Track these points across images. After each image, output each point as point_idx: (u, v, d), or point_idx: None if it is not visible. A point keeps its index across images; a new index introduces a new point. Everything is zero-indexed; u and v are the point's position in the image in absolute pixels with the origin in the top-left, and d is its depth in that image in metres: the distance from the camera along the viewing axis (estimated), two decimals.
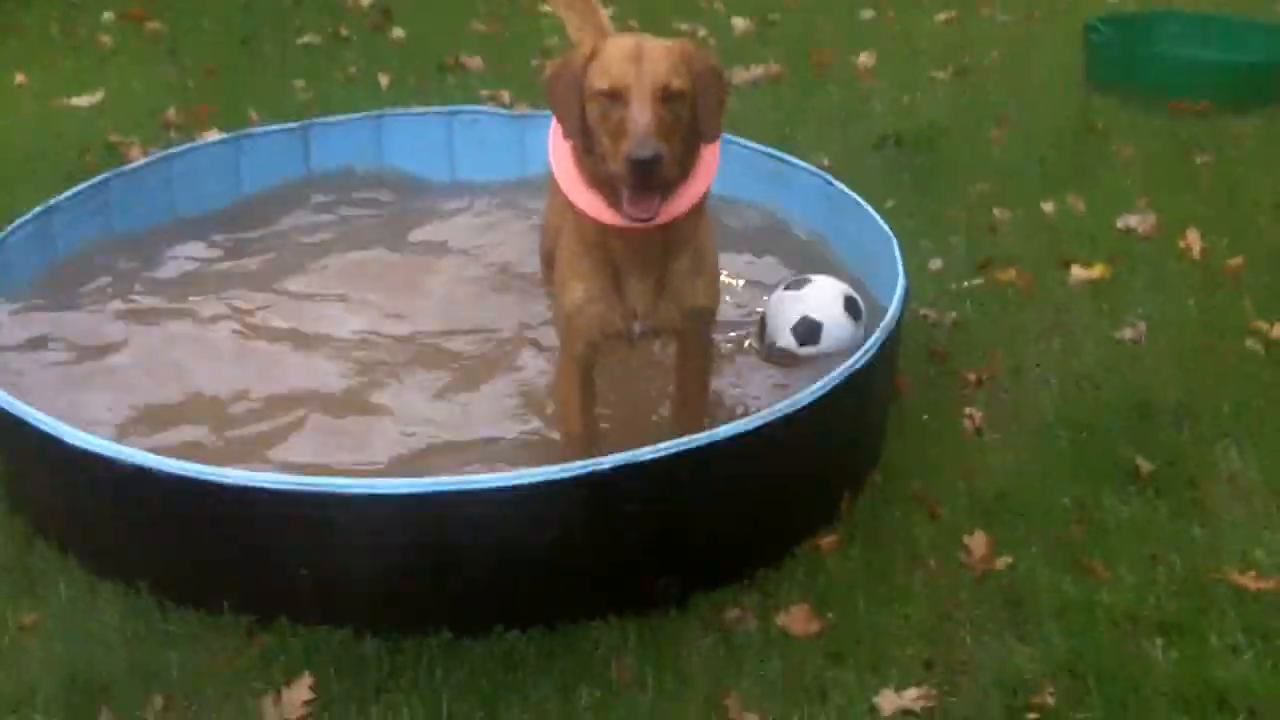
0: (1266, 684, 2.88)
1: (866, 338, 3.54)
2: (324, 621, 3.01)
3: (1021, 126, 6.00)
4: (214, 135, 5.46)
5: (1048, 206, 5.21)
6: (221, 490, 2.92)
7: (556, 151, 3.20)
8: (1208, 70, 6.30)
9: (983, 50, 7.07)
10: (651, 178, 2.92)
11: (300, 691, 2.84)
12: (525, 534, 2.97)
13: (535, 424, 3.73)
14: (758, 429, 3.06)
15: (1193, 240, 4.85)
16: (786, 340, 3.90)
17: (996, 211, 5.17)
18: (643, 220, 3.03)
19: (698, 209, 3.22)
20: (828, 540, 3.36)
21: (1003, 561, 3.28)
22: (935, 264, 4.69)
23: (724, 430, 3.05)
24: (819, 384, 3.20)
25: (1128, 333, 4.32)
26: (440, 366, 4.00)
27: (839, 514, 3.45)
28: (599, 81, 2.98)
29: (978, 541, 3.34)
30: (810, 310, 3.88)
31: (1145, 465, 3.59)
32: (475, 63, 6.94)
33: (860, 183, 4.51)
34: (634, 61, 2.95)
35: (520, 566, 3.01)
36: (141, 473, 2.96)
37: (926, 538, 3.39)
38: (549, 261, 4.28)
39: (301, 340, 4.12)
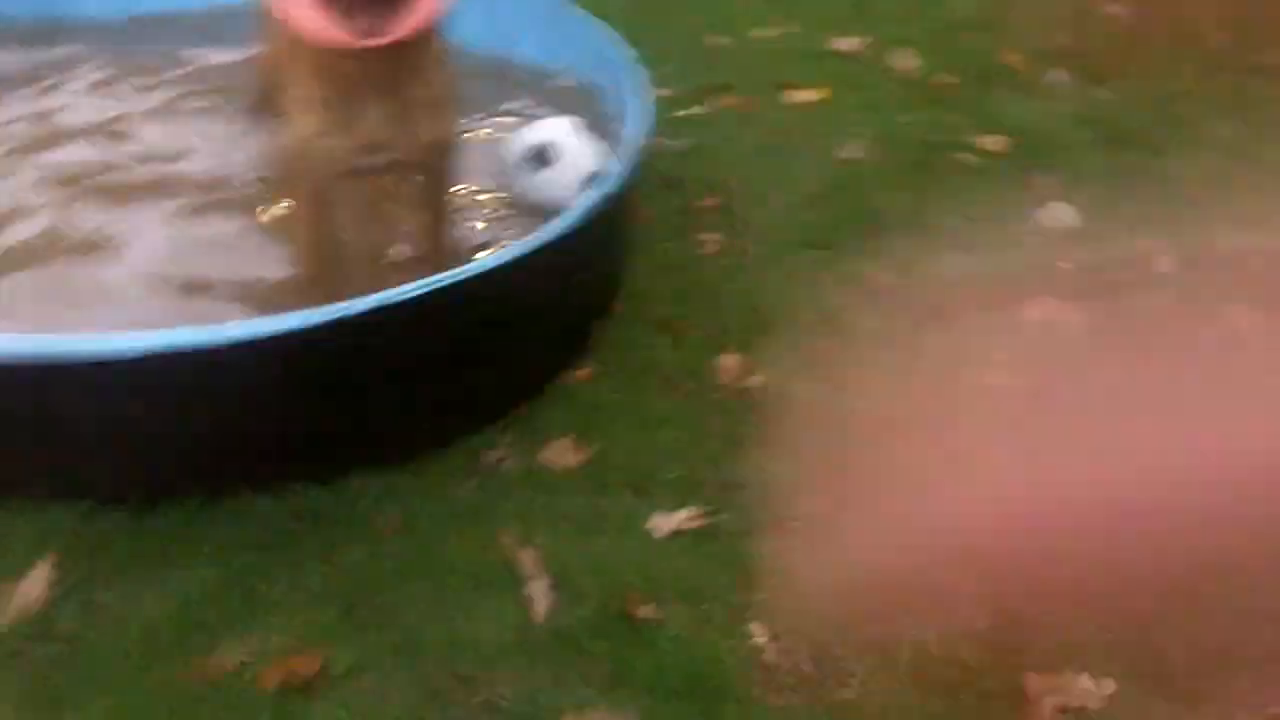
0: None
1: (605, 162, 3.47)
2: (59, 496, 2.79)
3: None
4: None
5: (762, 32, 5.21)
6: None
7: None
8: None
9: None
10: None
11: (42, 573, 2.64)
12: (270, 389, 2.80)
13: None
14: (515, 260, 2.95)
15: (906, 60, 4.94)
16: (523, 179, 3.72)
17: (709, 39, 5.15)
18: (374, 36, 2.84)
19: (434, 31, 3.04)
20: (581, 373, 3.31)
21: (754, 380, 3.30)
22: (662, 93, 4.61)
23: (481, 264, 2.92)
24: (570, 214, 3.11)
25: (844, 150, 4.38)
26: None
27: (589, 345, 3.40)
28: None
29: (728, 362, 3.35)
30: (539, 138, 3.73)
31: (884, 279, 3.67)
32: None
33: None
34: None
35: (264, 423, 2.85)
36: None
37: (677, 362, 3.38)
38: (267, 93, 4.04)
39: None
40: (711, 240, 3.86)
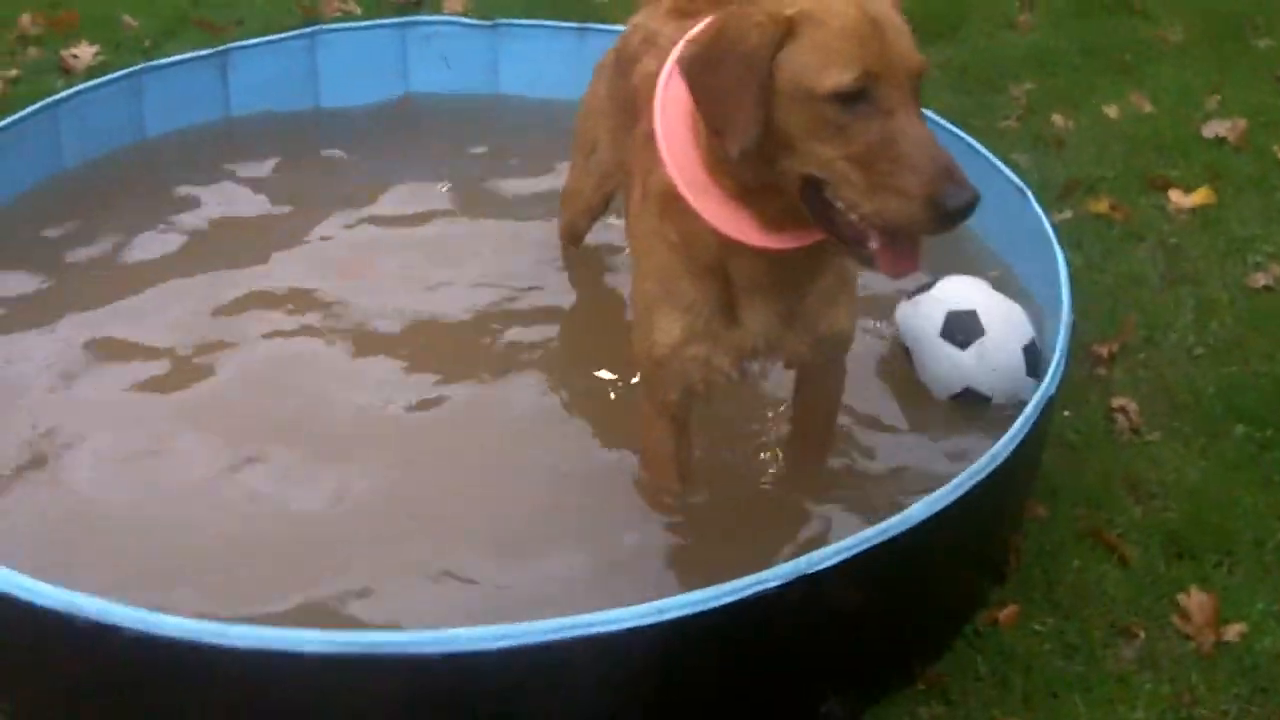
0: None
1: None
2: None
3: None
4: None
5: (1110, 110, 4.44)
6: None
7: (669, 134, 2.25)
8: None
9: None
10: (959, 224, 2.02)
11: None
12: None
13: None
14: (972, 490, 2.29)
15: None
16: (938, 353, 2.92)
17: (1057, 117, 4.39)
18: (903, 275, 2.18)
19: None
20: (1004, 610, 2.61)
21: (1234, 631, 2.56)
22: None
23: (936, 499, 2.26)
24: (1014, 429, 2.41)
25: (1259, 276, 3.60)
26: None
27: (1009, 567, 2.70)
28: (823, 75, 1.99)
29: (1196, 602, 2.61)
30: (953, 303, 2.93)
31: None
32: None
33: None
34: (876, 39, 2.00)
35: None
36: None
37: (1123, 595, 2.66)
38: (573, 236, 3.42)
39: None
40: (1125, 409, 3.11)
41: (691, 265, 2.33)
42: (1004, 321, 2.86)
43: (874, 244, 2.08)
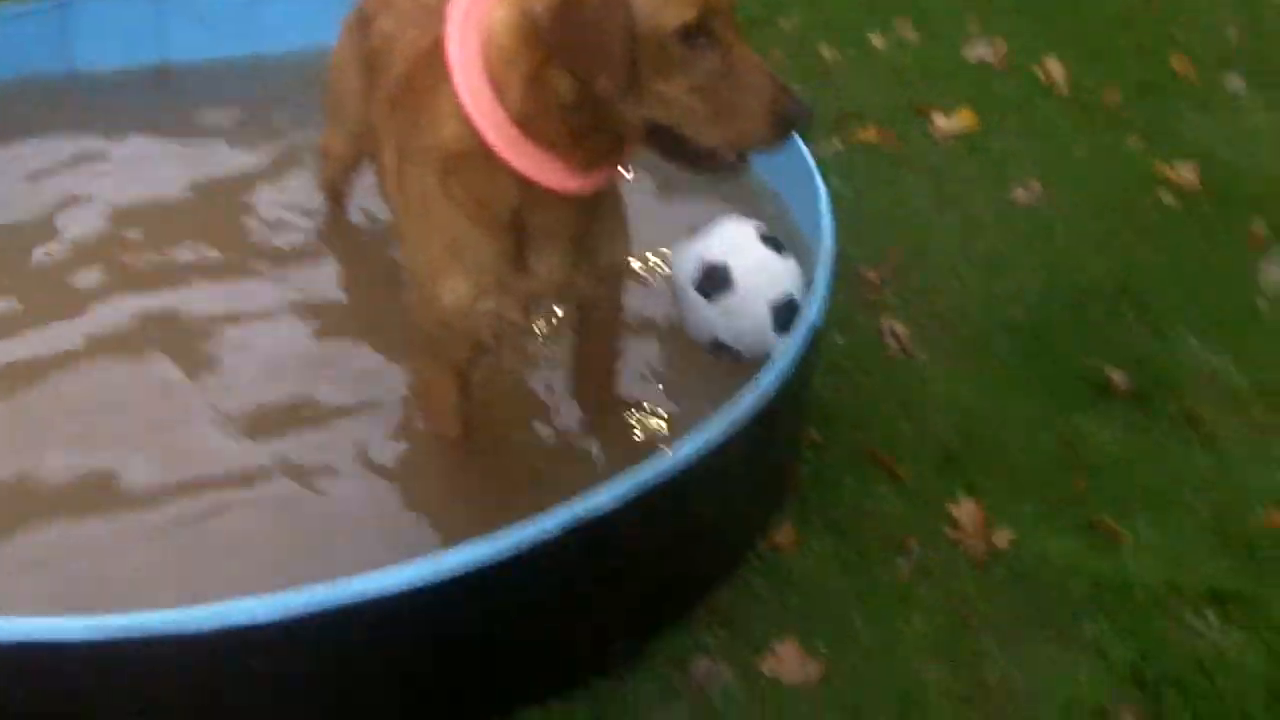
0: None
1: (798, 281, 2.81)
2: None
3: None
4: None
5: (877, 40, 4.52)
6: None
7: (472, 92, 2.17)
8: None
9: None
10: None
11: None
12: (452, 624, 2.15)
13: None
14: (744, 422, 2.30)
15: (1055, 70, 4.26)
16: (693, 303, 2.89)
17: (825, 51, 4.45)
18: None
19: None
20: (784, 535, 2.66)
21: (1004, 537, 2.65)
22: None
23: (706, 434, 2.26)
24: (779, 362, 2.44)
25: (1020, 193, 3.71)
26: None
27: (787, 494, 2.75)
28: (672, 12, 2.00)
29: (966, 511, 2.70)
30: (709, 255, 2.89)
31: (1119, 378, 3.01)
32: None
33: None
34: None
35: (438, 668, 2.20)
36: None
37: (898, 512, 2.73)
38: (333, 193, 3.36)
39: None
40: (895, 331, 3.19)
41: (483, 221, 2.29)
42: (755, 275, 2.84)
43: (728, 159, 2.14)
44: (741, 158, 2.15)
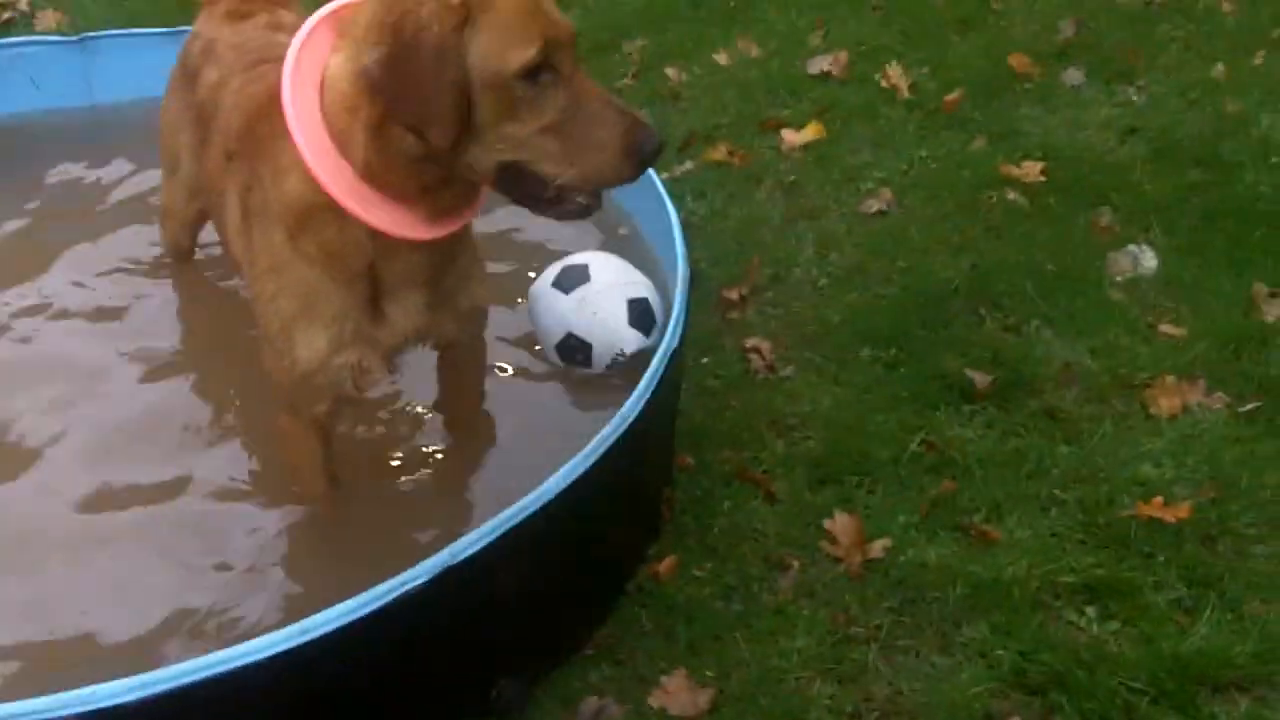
0: (1236, 647, 2.40)
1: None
2: None
3: None
4: None
5: (721, 58, 4.54)
6: None
7: (313, 148, 2.10)
8: None
9: None
10: None
11: None
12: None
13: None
14: (608, 453, 2.27)
15: (895, 75, 4.31)
16: (549, 304, 2.97)
17: (671, 72, 4.46)
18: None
19: None
20: (664, 564, 2.64)
21: (879, 547, 2.66)
22: None
23: (570, 469, 2.23)
24: (641, 386, 2.41)
25: (871, 202, 3.75)
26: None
27: (662, 520, 2.73)
28: (513, 53, 1.96)
29: (841, 525, 2.70)
30: (570, 260, 2.99)
31: (979, 378, 3.04)
32: None
33: None
34: (541, 10, 2.00)
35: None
36: None
37: (774, 529, 2.72)
38: (177, 253, 3.27)
39: None
40: (759, 348, 3.19)
41: (337, 274, 2.23)
42: (614, 274, 2.92)
43: (581, 199, 2.10)
44: (595, 197, 2.12)
